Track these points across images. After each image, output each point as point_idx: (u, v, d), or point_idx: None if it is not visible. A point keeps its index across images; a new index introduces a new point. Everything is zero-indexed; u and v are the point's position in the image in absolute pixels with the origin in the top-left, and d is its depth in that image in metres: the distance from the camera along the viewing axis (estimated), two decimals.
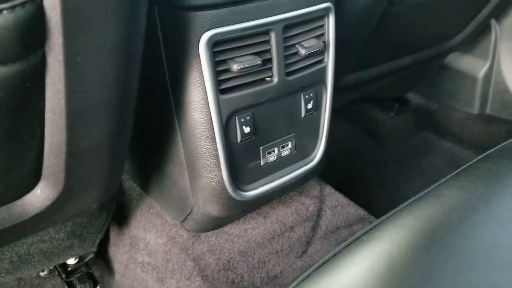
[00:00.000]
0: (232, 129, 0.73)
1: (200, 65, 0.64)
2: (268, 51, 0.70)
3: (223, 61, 0.66)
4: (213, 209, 0.80)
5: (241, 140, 0.75)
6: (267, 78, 0.72)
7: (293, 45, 0.73)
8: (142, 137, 0.83)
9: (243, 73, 0.68)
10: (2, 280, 0.83)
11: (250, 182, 0.81)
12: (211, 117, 0.69)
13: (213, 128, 0.70)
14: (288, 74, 0.74)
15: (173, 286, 0.85)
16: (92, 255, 0.98)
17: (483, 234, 0.54)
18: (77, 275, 1.00)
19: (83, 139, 0.54)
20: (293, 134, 0.82)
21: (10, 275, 0.82)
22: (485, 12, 1.28)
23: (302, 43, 0.73)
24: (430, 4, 1.06)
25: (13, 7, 0.38)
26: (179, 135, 0.74)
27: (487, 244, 0.52)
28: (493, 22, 1.43)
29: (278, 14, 0.68)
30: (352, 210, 1.02)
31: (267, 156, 0.80)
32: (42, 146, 0.53)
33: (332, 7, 0.76)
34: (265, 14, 0.67)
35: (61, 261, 0.93)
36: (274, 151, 0.81)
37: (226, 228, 0.92)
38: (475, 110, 1.58)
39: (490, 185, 0.63)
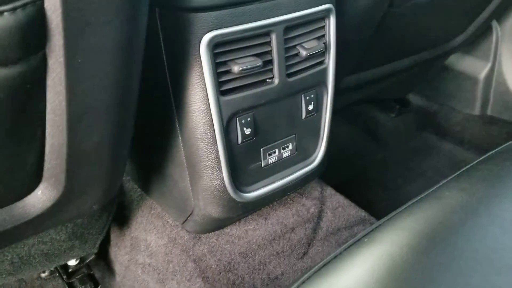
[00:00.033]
0: (233, 130, 0.73)
1: (201, 67, 0.64)
2: (269, 52, 0.70)
3: (224, 63, 0.66)
4: (214, 210, 0.80)
5: (242, 142, 0.75)
6: (268, 80, 0.72)
7: (294, 46, 0.73)
8: (143, 138, 0.83)
9: (244, 74, 0.68)
10: (3, 281, 0.83)
11: (250, 183, 0.81)
12: (211, 118, 0.69)
13: (213, 130, 0.70)
14: (289, 75, 0.74)
15: None
16: (93, 256, 0.98)
17: (484, 236, 0.53)
18: (78, 276, 1.00)
19: (84, 140, 0.54)
20: (293, 135, 0.82)
21: (11, 276, 0.82)
22: (486, 13, 1.28)
23: (303, 44, 0.73)
24: (431, 5, 1.06)
25: (14, 9, 0.38)
26: (179, 136, 0.74)
27: (488, 247, 0.52)
28: (494, 23, 1.43)
29: (279, 15, 0.68)
30: (352, 211, 1.02)
31: (267, 158, 0.80)
32: (43, 147, 0.53)
33: (333, 9, 0.76)
34: (266, 15, 0.67)
35: (62, 262, 0.93)
36: (274, 152, 0.80)
37: (227, 230, 0.92)
38: (476, 111, 1.57)
39: (491, 187, 0.62)
